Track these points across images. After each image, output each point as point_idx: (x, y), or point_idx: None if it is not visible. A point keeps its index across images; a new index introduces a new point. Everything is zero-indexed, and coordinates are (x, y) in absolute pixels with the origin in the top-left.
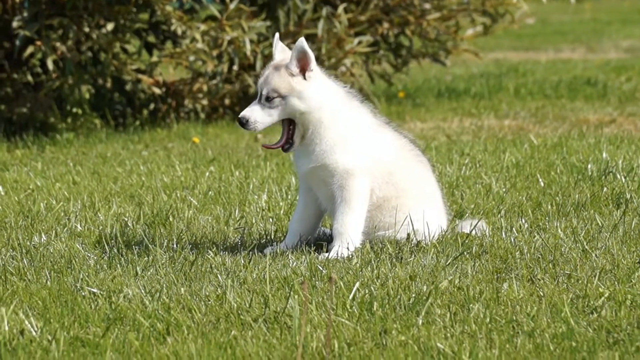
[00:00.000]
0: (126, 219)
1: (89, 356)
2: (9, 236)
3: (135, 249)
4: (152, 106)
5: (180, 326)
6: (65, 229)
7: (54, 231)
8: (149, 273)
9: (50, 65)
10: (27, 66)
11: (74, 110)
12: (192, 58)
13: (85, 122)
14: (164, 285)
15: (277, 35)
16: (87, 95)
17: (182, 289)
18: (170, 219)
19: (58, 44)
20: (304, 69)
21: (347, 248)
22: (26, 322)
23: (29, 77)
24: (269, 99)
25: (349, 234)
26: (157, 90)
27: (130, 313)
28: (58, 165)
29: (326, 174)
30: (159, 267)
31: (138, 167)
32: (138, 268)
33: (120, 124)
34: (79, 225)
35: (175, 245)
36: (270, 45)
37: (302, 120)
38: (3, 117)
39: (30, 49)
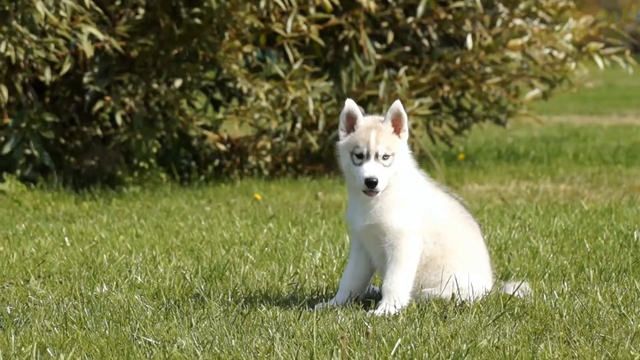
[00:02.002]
0: (184, 272)
1: None
2: (72, 286)
3: (192, 301)
4: (216, 162)
5: None
6: (126, 280)
7: (115, 282)
8: (203, 325)
9: (118, 119)
10: (96, 120)
11: (141, 164)
12: (256, 116)
13: (152, 176)
14: (216, 337)
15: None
16: (154, 150)
17: (233, 341)
18: (227, 273)
19: (127, 100)
20: (397, 129)
21: (395, 306)
22: None
23: (98, 131)
24: (385, 157)
25: (397, 292)
26: (222, 147)
27: None
28: (123, 218)
29: (379, 232)
30: (213, 319)
31: (200, 222)
32: (193, 320)
33: (186, 179)
34: (139, 277)
35: (230, 299)
36: (333, 105)
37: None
38: (72, 170)
39: (99, 104)
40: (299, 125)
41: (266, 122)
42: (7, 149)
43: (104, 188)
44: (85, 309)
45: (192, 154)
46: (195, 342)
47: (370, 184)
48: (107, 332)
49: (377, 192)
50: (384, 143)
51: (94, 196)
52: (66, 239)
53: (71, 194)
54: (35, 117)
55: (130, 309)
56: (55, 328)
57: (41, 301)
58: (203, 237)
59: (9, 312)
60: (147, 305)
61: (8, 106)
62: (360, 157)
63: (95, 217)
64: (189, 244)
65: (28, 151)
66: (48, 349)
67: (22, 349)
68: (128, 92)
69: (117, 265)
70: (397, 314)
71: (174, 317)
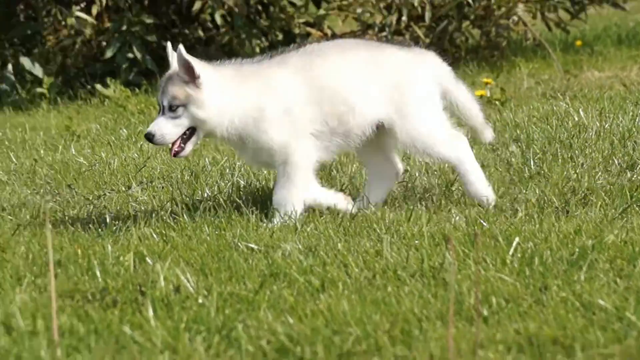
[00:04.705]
0: None
1: (243, 312)
2: (173, 192)
3: None
4: None
5: (335, 282)
6: (229, 183)
7: (217, 186)
8: (309, 228)
9: (218, 19)
10: (197, 21)
11: None
12: (359, 10)
13: None
14: (322, 240)
15: (168, 44)
16: (257, 49)
17: (340, 244)
18: (334, 172)
19: None
20: (192, 77)
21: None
22: (183, 278)
23: (200, 32)
24: (172, 109)
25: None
26: None
27: (286, 269)
28: None
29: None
30: (319, 222)
31: None
32: (297, 224)
33: None
34: (242, 181)
35: None
36: None
37: (204, 128)
38: None
39: (198, 4)
40: (404, 18)
41: (370, 16)
42: (109, 54)
43: None
44: (185, 215)
45: None
46: (300, 246)
47: (149, 140)
48: (207, 238)
49: (161, 143)
50: (169, 94)
51: None
52: None
53: None
54: (134, 20)
55: (232, 213)
56: (154, 236)
57: (142, 208)
58: None
59: (108, 220)
60: (250, 209)
61: (107, 9)
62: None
63: None
64: None
65: (131, 55)
66: (147, 258)
67: (120, 258)
68: None
69: (219, 169)
70: (516, 209)
71: (278, 221)
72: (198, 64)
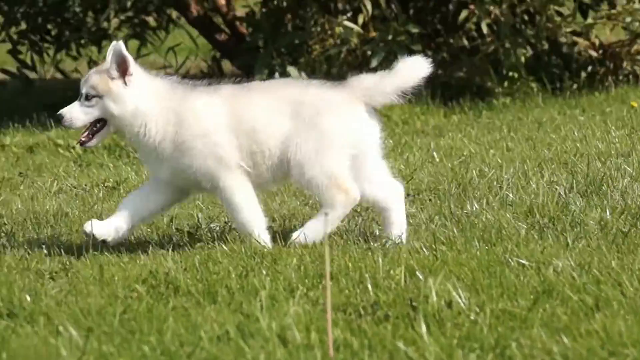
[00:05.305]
0: (558, 188)
1: (516, 330)
2: (441, 204)
3: (567, 219)
4: (589, 69)
5: (610, 301)
6: (497, 197)
7: (485, 199)
8: (580, 245)
9: (484, 28)
10: (462, 30)
11: (510, 74)
12: (628, 19)
13: (522, 86)
14: (595, 257)
15: (119, 42)
16: (523, 59)
17: (613, 262)
18: (605, 187)
19: (492, 8)
20: (124, 73)
21: None
22: (454, 294)
23: (465, 42)
24: (87, 98)
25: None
26: (593, 53)
27: (558, 286)
28: (493, 131)
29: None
30: (591, 238)
31: (572, 133)
32: (569, 239)
33: (557, 88)
34: (510, 194)
35: (609, 216)
36: None
37: (114, 122)
38: (440, 82)
39: (464, 13)
40: None
41: (639, 25)
42: (374, 63)
43: (473, 100)
44: (454, 229)
45: (564, 61)
46: (572, 263)
47: (59, 120)
48: (477, 253)
49: (69, 126)
50: (89, 84)
51: (463, 109)
52: (435, 154)
53: (440, 107)
54: (400, 29)
55: (502, 228)
56: (424, 249)
57: (410, 221)
58: (577, 149)
59: (377, 232)
60: (519, 224)
61: (373, 19)
62: None
63: (464, 131)
64: (562, 156)
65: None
66: (417, 272)
67: (390, 271)
68: (493, 0)
69: (487, 181)
70: None
71: (549, 236)
72: (133, 64)
